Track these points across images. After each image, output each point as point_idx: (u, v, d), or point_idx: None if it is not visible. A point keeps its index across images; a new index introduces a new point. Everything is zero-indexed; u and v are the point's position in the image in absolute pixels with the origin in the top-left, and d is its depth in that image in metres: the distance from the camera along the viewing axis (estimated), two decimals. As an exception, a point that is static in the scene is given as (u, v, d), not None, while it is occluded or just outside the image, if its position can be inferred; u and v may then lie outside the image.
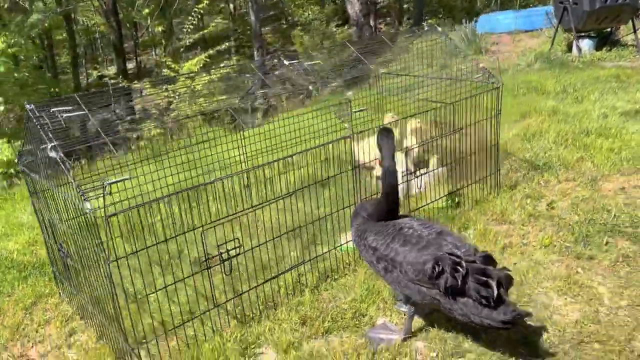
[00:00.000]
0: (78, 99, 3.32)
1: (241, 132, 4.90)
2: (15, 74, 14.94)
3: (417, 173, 4.89)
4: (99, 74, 25.07)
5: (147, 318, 3.46)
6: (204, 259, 3.29)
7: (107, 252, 2.87)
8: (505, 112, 7.21)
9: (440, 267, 2.76)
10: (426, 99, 5.04)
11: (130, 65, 29.22)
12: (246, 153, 4.97)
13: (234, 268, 3.87)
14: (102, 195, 2.86)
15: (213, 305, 3.45)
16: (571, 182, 5.11)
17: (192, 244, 4.01)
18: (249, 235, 3.84)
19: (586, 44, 10.76)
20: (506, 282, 2.65)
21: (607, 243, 4.10)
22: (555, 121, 6.65)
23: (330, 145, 3.98)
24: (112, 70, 27.35)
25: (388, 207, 3.30)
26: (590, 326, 3.31)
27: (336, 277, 4.00)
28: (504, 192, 4.99)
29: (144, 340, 3.33)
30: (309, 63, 4.14)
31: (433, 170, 4.87)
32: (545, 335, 3.26)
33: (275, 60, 4.34)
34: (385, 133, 3.36)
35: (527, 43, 13.21)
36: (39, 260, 4.64)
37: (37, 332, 3.76)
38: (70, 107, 3.35)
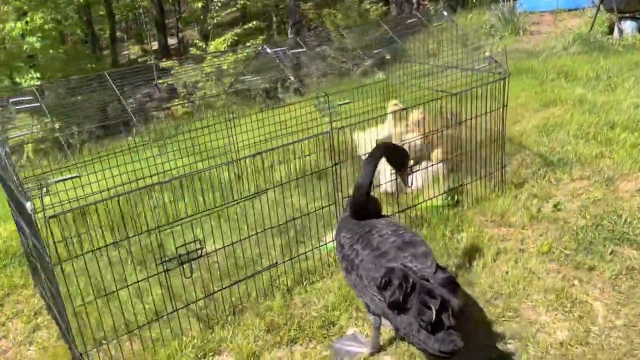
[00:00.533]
0: (36, 91, 3.19)
1: (232, 122, 4.72)
2: (51, 51, 15.11)
3: (410, 170, 4.59)
4: (136, 51, 25.33)
5: (108, 319, 3.32)
6: (160, 261, 3.13)
7: (49, 255, 2.74)
8: (529, 101, 6.82)
9: (388, 279, 2.52)
10: (431, 88, 4.74)
11: (173, 41, 29.43)
12: (237, 142, 4.80)
13: (209, 267, 3.72)
14: (57, 192, 2.73)
15: (172, 308, 3.29)
16: (585, 180, 4.73)
17: (169, 239, 3.86)
18: (238, 229, 3.68)
19: (629, 26, 10.06)
20: (457, 309, 2.39)
21: (612, 252, 3.75)
22: (580, 111, 6.19)
23: (319, 139, 3.76)
24: (154, 45, 27.58)
25: (354, 208, 3.10)
26: (577, 348, 3.02)
27: (313, 279, 3.78)
28: (508, 190, 4.63)
29: (103, 342, 3.22)
30: (294, 51, 3.87)
31: (427, 166, 4.56)
32: (524, 357, 2.99)
33: (260, 48, 4.10)
34: (380, 147, 3.16)
35: (569, 23, 12.49)
36: (20, 250, 4.57)
37: (3, 325, 3.69)
38: (30, 98, 3.24)
